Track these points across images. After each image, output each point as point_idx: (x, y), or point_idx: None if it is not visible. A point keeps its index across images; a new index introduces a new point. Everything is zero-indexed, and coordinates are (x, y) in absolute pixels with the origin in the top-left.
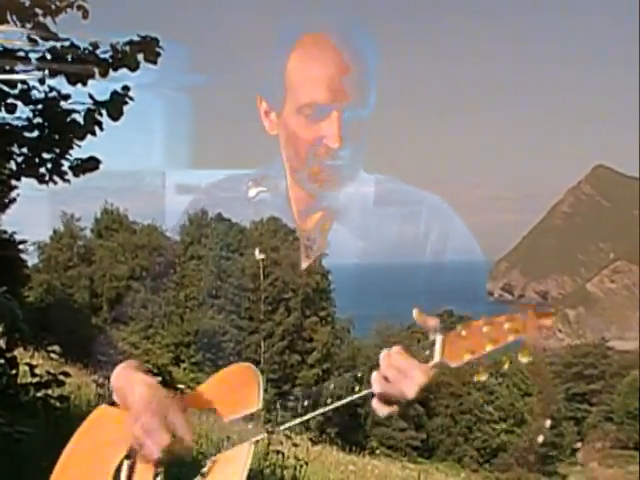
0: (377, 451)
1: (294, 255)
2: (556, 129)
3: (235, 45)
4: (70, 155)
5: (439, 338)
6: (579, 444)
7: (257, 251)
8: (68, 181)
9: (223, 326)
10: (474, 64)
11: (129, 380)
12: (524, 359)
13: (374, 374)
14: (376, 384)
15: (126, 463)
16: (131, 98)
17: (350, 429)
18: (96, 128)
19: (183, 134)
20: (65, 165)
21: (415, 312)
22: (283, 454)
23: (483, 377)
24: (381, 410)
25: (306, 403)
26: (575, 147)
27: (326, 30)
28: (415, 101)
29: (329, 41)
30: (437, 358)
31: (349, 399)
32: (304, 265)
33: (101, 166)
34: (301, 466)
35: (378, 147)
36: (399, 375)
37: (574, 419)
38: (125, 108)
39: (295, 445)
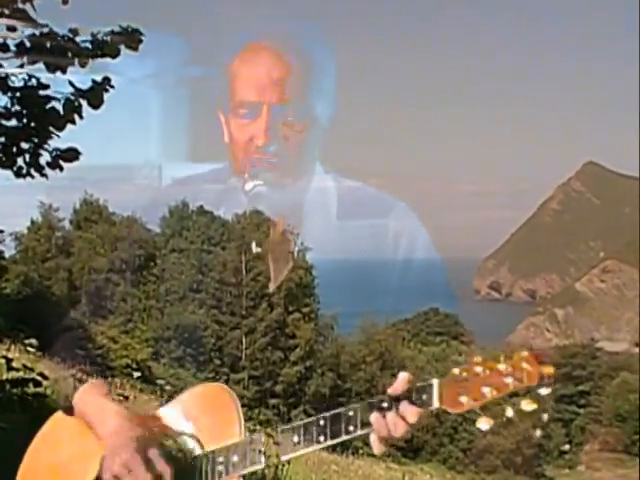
0: (361, 451)
1: (278, 250)
2: (546, 124)
3: (235, 38)
4: (49, 145)
5: (435, 383)
6: (567, 446)
7: (254, 244)
8: (45, 176)
9: (204, 321)
10: (462, 59)
11: (99, 408)
12: (528, 407)
13: (372, 437)
14: (376, 448)
15: None
16: (112, 86)
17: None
18: (76, 117)
19: (181, 127)
20: (45, 155)
21: (389, 390)
22: (264, 453)
23: (486, 426)
24: (378, 449)
25: (295, 439)
26: (565, 143)
27: (271, 36)
28: (403, 96)
29: (268, 46)
30: (435, 404)
31: (340, 440)
32: (271, 288)
33: (96, 159)
34: (283, 465)
35: (364, 142)
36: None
37: (562, 421)
38: (123, 101)
39: (277, 444)
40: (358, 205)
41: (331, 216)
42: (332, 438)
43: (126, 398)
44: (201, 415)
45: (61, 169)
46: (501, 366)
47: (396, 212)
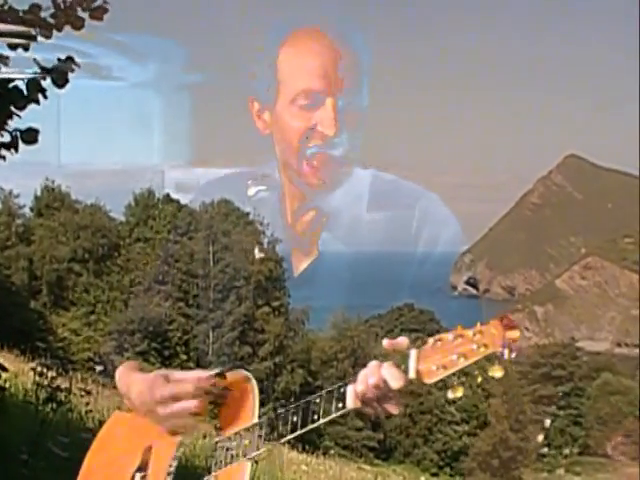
0: (331, 451)
1: (246, 240)
2: (526, 114)
3: (234, 44)
4: (9, 126)
5: (413, 353)
6: (545, 449)
7: (257, 250)
8: (3, 157)
9: (170, 314)
10: (442, 50)
11: (128, 384)
12: (496, 374)
13: (350, 390)
14: (352, 402)
15: (138, 476)
16: (77, 65)
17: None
18: (40, 97)
19: (181, 132)
20: (5, 136)
21: (385, 343)
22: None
23: (459, 393)
24: (353, 403)
25: (295, 419)
26: (546, 135)
27: (317, 25)
28: (380, 86)
29: (321, 33)
30: (412, 374)
31: (334, 415)
32: (296, 273)
33: (98, 164)
34: (251, 465)
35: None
36: (377, 392)
37: (540, 422)
38: (123, 106)
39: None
40: (389, 197)
41: (362, 209)
42: (301, 428)
43: (88, 393)
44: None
45: (16, 150)
46: (469, 332)
47: (425, 203)
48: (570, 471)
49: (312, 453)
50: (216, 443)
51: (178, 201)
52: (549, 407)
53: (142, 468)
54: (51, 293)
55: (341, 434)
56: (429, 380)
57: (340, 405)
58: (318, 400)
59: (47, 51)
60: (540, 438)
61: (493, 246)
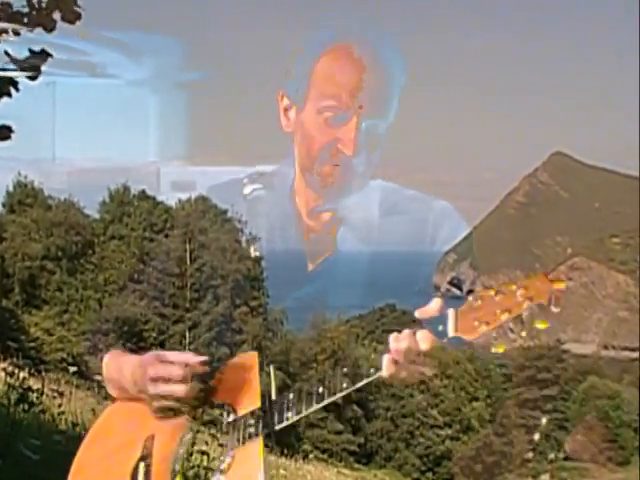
0: (310, 455)
1: (224, 238)
2: (511, 111)
3: (232, 42)
4: None
5: (451, 312)
6: (530, 454)
7: (252, 249)
8: None
9: (145, 314)
10: (422, 44)
11: (120, 366)
12: (541, 326)
13: (384, 357)
14: (386, 368)
15: (142, 465)
16: (50, 55)
17: (281, 430)
18: (12, 89)
19: (178, 130)
20: None
21: (416, 313)
22: (208, 455)
23: (501, 349)
24: (388, 369)
25: (321, 390)
26: (532, 131)
27: (357, 42)
28: None
29: (359, 52)
30: (451, 333)
31: (362, 383)
32: (310, 267)
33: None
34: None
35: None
36: (408, 358)
37: (525, 427)
38: (119, 104)
39: (221, 446)
40: (397, 205)
41: (375, 213)
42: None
43: (60, 394)
44: (238, 383)
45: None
46: (512, 287)
47: (435, 209)
48: (555, 477)
49: (291, 457)
50: (233, 421)
51: (154, 198)
52: (534, 411)
53: (145, 457)
54: (23, 291)
55: (321, 438)
56: (471, 337)
57: (373, 370)
58: (346, 370)
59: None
60: (537, 437)
61: (477, 246)
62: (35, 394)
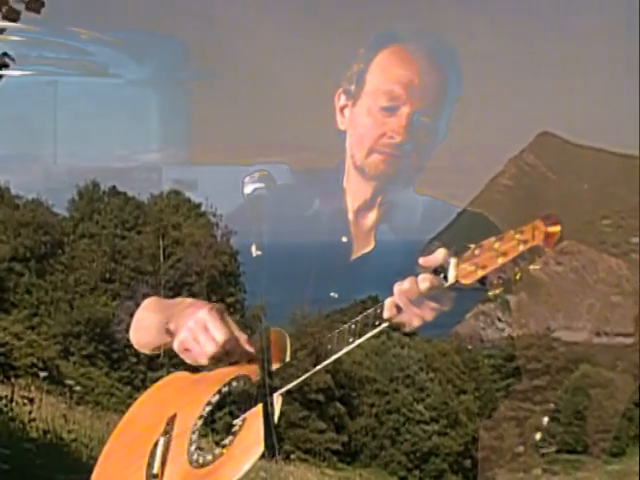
0: (292, 455)
1: (198, 233)
2: (495, 89)
3: (233, 40)
4: None
5: (452, 260)
6: (521, 448)
7: (253, 247)
8: None
9: (118, 314)
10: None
11: (168, 304)
12: (536, 266)
13: (387, 302)
14: (387, 309)
15: (162, 440)
16: (12, 59)
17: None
18: None
19: (180, 129)
20: None
21: (420, 260)
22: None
23: (497, 291)
24: (389, 312)
25: (329, 347)
26: (518, 110)
27: (414, 44)
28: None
29: (414, 53)
30: (451, 279)
31: (370, 334)
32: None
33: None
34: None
35: (296, 112)
36: (409, 299)
37: (515, 419)
38: (120, 103)
39: (200, 449)
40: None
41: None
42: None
43: (31, 401)
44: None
45: None
46: (511, 232)
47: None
48: (548, 470)
49: (271, 458)
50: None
51: (125, 193)
52: (524, 402)
53: (166, 432)
54: None
55: (303, 437)
56: (467, 280)
57: (378, 314)
58: (359, 319)
59: (45, 49)
60: (538, 436)
61: (461, 232)
62: (4, 401)
